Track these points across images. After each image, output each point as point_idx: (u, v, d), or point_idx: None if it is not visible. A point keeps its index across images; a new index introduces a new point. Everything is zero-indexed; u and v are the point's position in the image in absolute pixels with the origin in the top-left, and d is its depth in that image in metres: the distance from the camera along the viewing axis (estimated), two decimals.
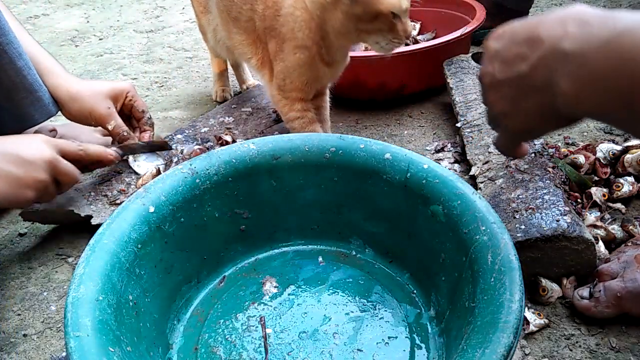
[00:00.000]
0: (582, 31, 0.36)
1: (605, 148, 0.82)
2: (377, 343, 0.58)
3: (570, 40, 0.36)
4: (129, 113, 0.87)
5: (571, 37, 0.36)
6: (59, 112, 0.85)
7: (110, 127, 0.83)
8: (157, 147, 0.87)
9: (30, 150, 0.68)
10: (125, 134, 0.85)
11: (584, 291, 0.62)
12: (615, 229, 0.72)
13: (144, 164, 0.86)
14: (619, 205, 0.77)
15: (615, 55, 0.32)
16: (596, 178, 0.81)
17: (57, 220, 0.85)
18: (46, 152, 0.69)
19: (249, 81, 1.21)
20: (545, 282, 0.65)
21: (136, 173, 0.86)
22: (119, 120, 0.85)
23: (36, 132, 0.87)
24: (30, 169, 0.67)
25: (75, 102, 0.81)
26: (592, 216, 0.74)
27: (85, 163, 0.77)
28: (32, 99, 0.80)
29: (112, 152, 0.80)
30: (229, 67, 1.22)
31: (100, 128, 1.05)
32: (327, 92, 0.94)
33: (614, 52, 0.32)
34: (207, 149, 0.88)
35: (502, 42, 0.43)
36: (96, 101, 0.82)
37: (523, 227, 0.64)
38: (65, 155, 0.73)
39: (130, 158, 0.86)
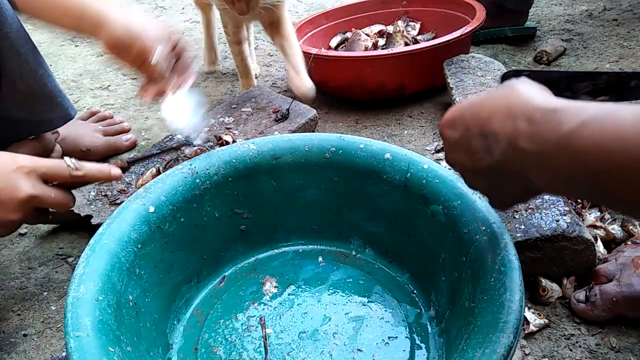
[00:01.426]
0: (532, 130, 0.38)
1: None
2: (377, 343, 0.58)
3: (525, 139, 0.38)
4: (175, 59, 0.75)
5: (524, 135, 0.38)
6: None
7: (152, 61, 0.69)
8: (166, 152, 0.86)
9: (1, 190, 0.56)
10: (164, 75, 0.71)
11: (581, 294, 0.63)
12: (615, 229, 0.72)
13: (174, 103, 0.71)
14: None
15: (568, 157, 0.35)
16: None
17: (57, 220, 0.85)
18: (21, 191, 0.56)
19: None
20: (545, 282, 0.65)
21: (166, 122, 0.71)
22: (162, 59, 0.70)
23: None
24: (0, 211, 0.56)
25: (124, 29, 0.69)
26: (591, 216, 0.74)
27: (81, 184, 0.67)
28: (52, 106, 0.79)
29: (116, 170, 0.67)
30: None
31: (101, 128, 1.05)
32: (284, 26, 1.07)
33: (567, 155, 0.35)
34: (207, 149, 0.88)
35: (458, 132, 0.45)
36: (145, 34, 0.70)
37: (523, 227, 0.64)
38: (51, 180, 0.60)
39: (165, 111, 0.71)
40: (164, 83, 0.71)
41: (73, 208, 0.78)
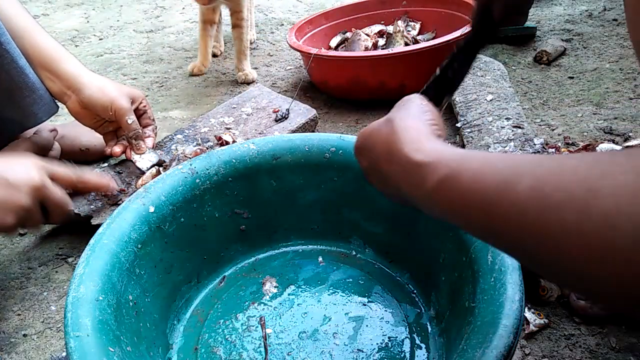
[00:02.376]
0: (407, 179, 0.40)
1: (605, 148, 0.82)
2: (377, 343, 0.58)
3: (405, 186, 0.41)
4: (139, 118, 0.88)
5: (404, 183, 0.41)
6: (64, 104, 0.84)
7: (129, 121, 0.83)
8: None
9: (17, 174, 0.62)
10: (139, 131, 0.85)
11: None
12: None
13: (146, 158, 0.86)
14: None
15: (437, 207, 0.38)
16: None
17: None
18: (35, 177, 0.63)
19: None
20: (545, 281, 0.65)
21: (139, 169, 0.85)
22: (135, 118, 0.85)
23: (36, 132, 0.87)
24: (14, 193, 0.61)
25: (99, 89, 0.81)
26: None
27: (80, 191, 0.76)
28: (35, 98, 0.79)
29: (114, 183, 0.77)
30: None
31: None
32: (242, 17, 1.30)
33: (436, 205, 0.38)
34: (207, 149, 0.88)
35: (365, 161, 0.47)
36: (120, 94, 0.82)
37: None
38: (58, 181, 0.67)
39: (135, 156, 0.87)
40: (135, 135, 0.85)
41: (73, 208, 0.79)
